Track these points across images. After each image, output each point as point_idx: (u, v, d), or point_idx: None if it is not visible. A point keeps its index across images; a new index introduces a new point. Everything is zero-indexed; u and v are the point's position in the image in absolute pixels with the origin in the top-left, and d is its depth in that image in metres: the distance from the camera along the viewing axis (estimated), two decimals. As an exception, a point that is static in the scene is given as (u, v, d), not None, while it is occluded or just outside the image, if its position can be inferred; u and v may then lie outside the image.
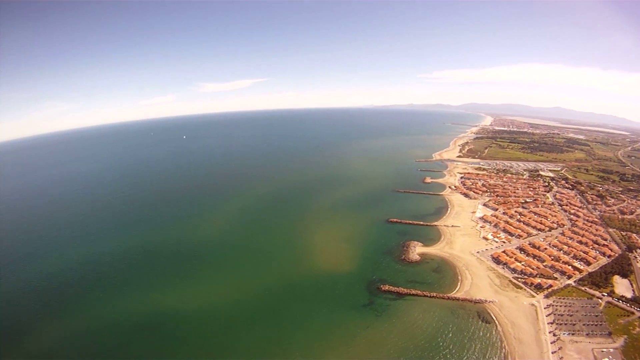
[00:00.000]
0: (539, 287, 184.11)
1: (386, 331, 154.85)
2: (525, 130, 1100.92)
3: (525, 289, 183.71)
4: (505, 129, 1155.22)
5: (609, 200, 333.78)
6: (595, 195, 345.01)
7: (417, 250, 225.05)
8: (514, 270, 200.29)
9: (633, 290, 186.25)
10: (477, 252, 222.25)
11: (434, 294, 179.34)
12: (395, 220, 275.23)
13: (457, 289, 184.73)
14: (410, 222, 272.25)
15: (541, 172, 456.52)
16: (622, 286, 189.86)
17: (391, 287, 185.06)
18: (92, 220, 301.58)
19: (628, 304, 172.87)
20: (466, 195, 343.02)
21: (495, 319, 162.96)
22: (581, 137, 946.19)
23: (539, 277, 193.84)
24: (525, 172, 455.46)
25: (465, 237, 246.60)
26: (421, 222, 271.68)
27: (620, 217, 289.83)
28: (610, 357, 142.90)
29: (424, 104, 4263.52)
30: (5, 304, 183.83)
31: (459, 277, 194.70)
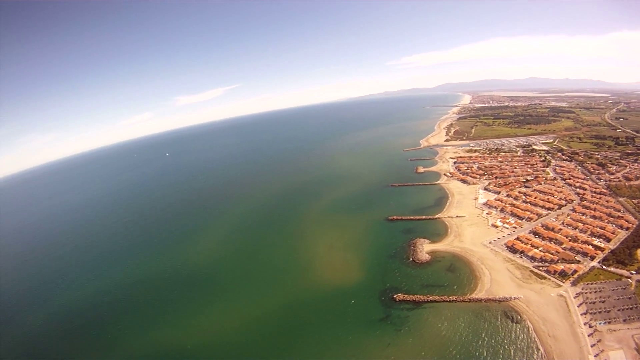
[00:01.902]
0: (563, 275, 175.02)
1: (410, 347, 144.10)
2: (507, 104, 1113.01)
3: (549, 279, 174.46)
4: (486, 105, 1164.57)
5: (610, 167, 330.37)
6: (596, 164, 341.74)
7: (425, 248, 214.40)
8: (532, 258, 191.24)
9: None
10: (490, 243, 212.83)
11: (454, 298, 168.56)
12: (395, 217, 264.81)
13: (476, 288, 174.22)
14: (412, 217, 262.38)
15: (534, 147, 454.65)
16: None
17: (406, 295, 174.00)
18: (84, 257, 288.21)
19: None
20: (464, 181, 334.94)
21: (524, 317, 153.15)
22: (563, 104, 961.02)
23: (561, 262, 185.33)
24: (518, 149, 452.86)
25: (473, 227, 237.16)
26: (423, 217, 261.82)
27: (627, 184, 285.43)
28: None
29: (399, 90, 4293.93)
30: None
31: (476, 274, 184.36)
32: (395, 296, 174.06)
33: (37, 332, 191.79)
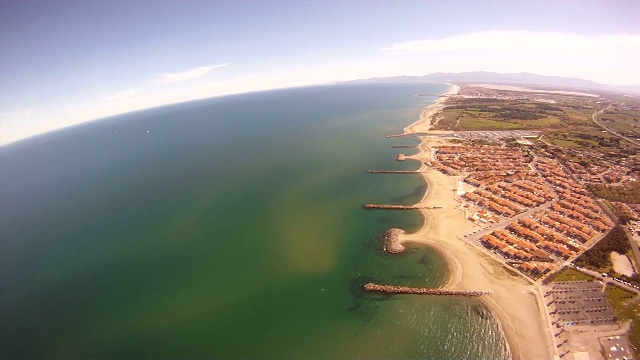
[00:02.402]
0: (535, 273, 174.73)
1: (378, 339, 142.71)
2: (495, 97, 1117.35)
3: (521, 276, 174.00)
4: (474, 97, 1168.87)
5: (592, 167, 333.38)
6: (578, 163, 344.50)
7: (399, 238, 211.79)
8: (506, 255, 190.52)
9: (632, 268, 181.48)
10: (465, 236, 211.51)
11: (424, 290, 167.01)
12: (372, 205, 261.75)
13: (448, 281, 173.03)
14: (389, 206, 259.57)
15: (518, 141, 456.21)
16: (621, 263, 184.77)
17: (376, 285, 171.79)
18: (54, 238, 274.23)
19: (630, 284, 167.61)
20: (444, 171, 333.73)
21: (493, 313, 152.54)
22: (552, 101, 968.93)
23: (535, 260, 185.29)
24: (502, 142, 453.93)
25: (450, 219, 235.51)
26: (400, 206, 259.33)
27: (607, 185, 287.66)
28: (618, 344, 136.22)
29: (387, 77, 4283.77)
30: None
31: (449, 267, 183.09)
32: (365, 286, 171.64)
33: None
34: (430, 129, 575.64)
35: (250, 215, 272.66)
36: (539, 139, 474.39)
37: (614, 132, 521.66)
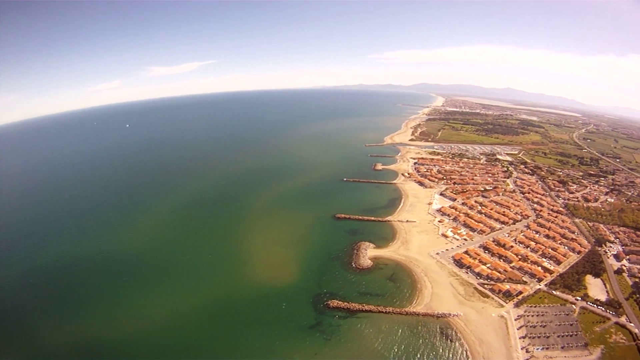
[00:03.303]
0: (507, 295, 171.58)
1: (337, 358, 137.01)
2: (478, 111, 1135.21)
3: (493, 298, 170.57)
4: (458, 109, 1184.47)
5: (571, 186, 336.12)
6: (557, 181, 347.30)
7: (368, 253, 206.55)
8: (479, 275, 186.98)
9: (607, 292, 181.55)
10: (437, 254, 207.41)
11: (390, 309, 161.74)
12: (343, 216, 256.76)
13: (416, 301, 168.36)
14: (360, 217, 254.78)
15: (499, 156, 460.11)
16: (595, 287, 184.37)
17: (340, 302, 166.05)
18: (14, 234, 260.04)
19: (603, 309, 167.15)
20: (421, 183, 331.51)
21: (461, 336, 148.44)
22: (534, 118, 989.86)
23: (507, 282, 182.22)
24: (482, 156, 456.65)
25: (422, 234, 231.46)
26: (372, 218, 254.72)
27: (585, 205, 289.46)
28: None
29: (374, 84, 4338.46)
30: None
31: (418, 286, 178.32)
32: (329, 302, 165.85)
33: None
34: (411, 140, 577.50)
35: (218, 219, 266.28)
36: (519, 155, 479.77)
37: (594, 152, 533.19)
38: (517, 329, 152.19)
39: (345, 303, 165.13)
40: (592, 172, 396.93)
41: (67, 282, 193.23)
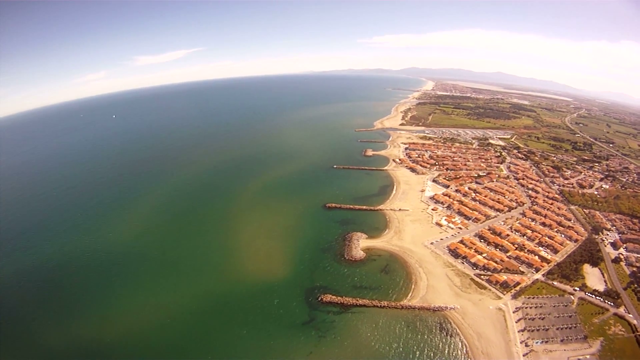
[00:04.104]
0: (505, 286, 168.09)
1: (332, 357, 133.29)
2: (469, 95, 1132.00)
3: (490, 289, 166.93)
4: (448, 93, 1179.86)
5: (565, 172, 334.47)
6: (551, 167, 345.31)
7: (361, 244, 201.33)
8: (475, 265, 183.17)
9: (605, 282, 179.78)
10: (431, 244, 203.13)
11: (385, 303, 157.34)
12: (334, 205, 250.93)
13: (411, 294, 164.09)
14: (351, 206, 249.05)
15: (491, 141, 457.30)
16: (593, 277, 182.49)
17: (334, 297, 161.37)
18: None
19: (601, 299, 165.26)
20: (413, 169, 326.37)
21: (458, 330, 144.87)
22: (525, 102, 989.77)
23: (504, 272, 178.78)
24: (474, 141, 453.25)
25: (416, 223, 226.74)
26: (364, 207, 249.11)
27: (580, 191, 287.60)
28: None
29: (363, 69, 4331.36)
30: None
31: (413, 278, 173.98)
32: (322, 297, 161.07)
33: None
34: (401, 124, 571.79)
35: (205, 211, 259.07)
36: (512, 139, 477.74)
37: (587, 137, 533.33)
38: (516, 322, 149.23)
39: (339, 297, 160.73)
40: (586, 158, 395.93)
41: (54, 283, 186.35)
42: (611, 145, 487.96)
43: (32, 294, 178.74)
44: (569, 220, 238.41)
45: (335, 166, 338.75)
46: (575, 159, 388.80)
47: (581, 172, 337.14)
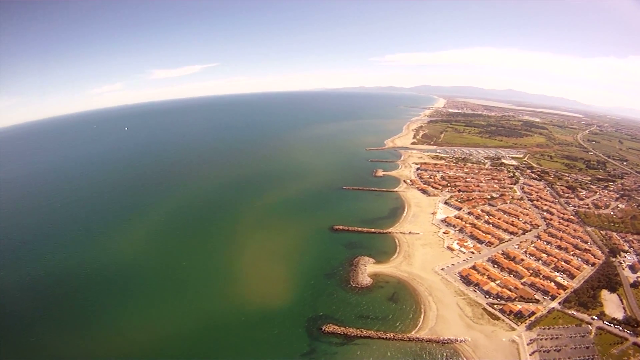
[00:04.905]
0: (519, 316, 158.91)
1: None
2: (480, 112, 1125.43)
3: (503, 320, 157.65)
4: (460, 111, 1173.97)
5: (580, 192, 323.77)
6: (566, 187, 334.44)
7: (367, 269, 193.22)
8: (488, 294, 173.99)
9: (624, 308, 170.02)
10: (442, 269, 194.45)
11: (391, 335, 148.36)
12: (341, 227, 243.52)
13: (419, 325, 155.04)
14: (359, 229, 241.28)
15: (504, 160, 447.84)
16: (611, 304, 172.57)
17: (336, 327, 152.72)
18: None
19: (620, 328, 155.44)
20: (424, 191, 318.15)
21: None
22: (537, 119, 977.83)
23: (519, 300, 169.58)
24: (486, 161, 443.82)
25: (427, 247, 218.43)
26: (372, 229, 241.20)
27: (596, 212, 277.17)
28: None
29: (375, 87, 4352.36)
30: None
31: (422, 308, 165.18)
32: (324, 327, 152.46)
33: None
34: (413, 143, 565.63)
35: (208, 232, 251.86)
36: (525, 158, 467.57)
37: (600, 154, 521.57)
38: (530, 355, 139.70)
39: (342, 328, 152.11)
40: (601, 177, 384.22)
41: (54, 299, 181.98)
42: (625, 162, 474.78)
43: (29, 306, 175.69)
44: (586, 242, 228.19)
45: (344, 187, 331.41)
46: (589, 178, 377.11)
47: (596, 192, 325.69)
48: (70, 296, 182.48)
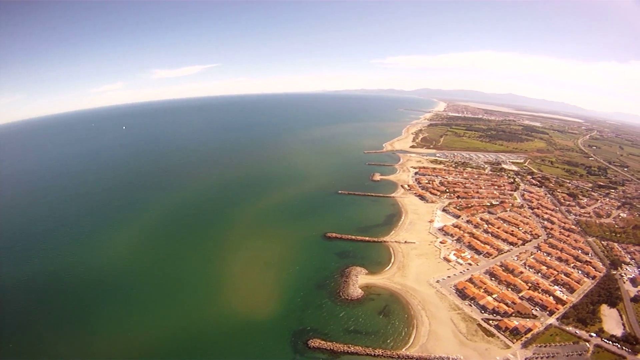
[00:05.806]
0: (515, 333, 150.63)
1: None
2: (480, 116, 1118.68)
3: (498, 337, 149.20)
4: (460, 115, 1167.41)
5: (581, 199, 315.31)
6: (567, 194, 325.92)
7: (359, 280, 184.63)
8: (484, 309, 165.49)
9: (623, 325, 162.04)
10: (437, 282, 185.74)
11: (379, 352, 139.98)
12: (334, 235, 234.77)
13: (410, 341, 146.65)
14: (353, 237, 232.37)
15: (504, 165, 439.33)
16: (610, 319, 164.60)
17: (323, 341, 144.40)
18: None
19: (618, 345, 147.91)
20: (422, 197, 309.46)
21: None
22: (537, 124, 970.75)
23: (516, 316, 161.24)
24: (486, 166, 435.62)
25: (422, 258, 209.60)
26: (367, 238, 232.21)
27: (597, 221, 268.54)
28: None
29: (376, 89, 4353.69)
30: None
31: (414, 323, 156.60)
32: (310, 341, 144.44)
33: None
34: (412, 147, 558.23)
35: (197, 237, 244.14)
36: (525, 164, 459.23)
37: (601, 160, 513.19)
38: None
39: (329, 343, 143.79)
40: (602, 183, 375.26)
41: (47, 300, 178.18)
42: (626, 169, 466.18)
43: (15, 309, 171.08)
44: (587, 254, 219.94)
45: (340, 191, 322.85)
46: (590, 184, 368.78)
47: (597, 200, 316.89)
48: (52, 299, 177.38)
